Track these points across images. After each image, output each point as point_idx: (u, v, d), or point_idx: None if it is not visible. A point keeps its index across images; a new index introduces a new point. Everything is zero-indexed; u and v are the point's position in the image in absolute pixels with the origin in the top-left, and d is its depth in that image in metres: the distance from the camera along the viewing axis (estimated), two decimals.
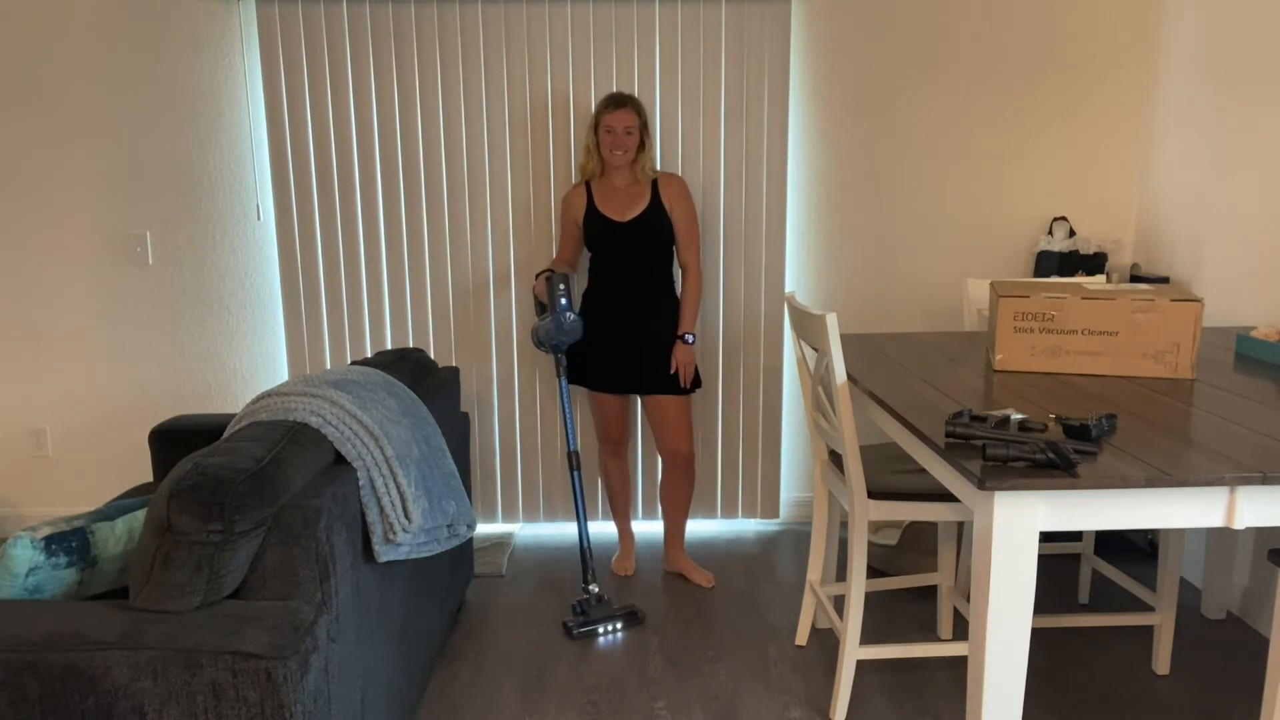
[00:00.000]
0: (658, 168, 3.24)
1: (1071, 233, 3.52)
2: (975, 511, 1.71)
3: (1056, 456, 1.60)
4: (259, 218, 3.57)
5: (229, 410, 3.68)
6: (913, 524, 3.28)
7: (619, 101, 3.03)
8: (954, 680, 2.63)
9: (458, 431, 2.91)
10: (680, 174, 3.50)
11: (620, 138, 3.03)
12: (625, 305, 3.14)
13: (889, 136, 3.58)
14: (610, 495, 3.41)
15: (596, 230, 3.12)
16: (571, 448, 3.01)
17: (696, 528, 3.79)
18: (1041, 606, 3.05)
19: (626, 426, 3.33)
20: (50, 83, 3.47)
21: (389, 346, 3.64)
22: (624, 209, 3.10)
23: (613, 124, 3.03)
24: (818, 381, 2.53)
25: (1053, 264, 3.48)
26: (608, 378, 3.17)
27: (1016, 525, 1.64)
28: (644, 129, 3.08)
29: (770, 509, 3.77)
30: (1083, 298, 2.29)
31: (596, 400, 3.25)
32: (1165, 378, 2.26)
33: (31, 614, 1.66)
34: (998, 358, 2.36)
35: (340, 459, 2.03)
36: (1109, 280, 3.40)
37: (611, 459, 3.35)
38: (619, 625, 2.94)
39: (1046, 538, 3.22)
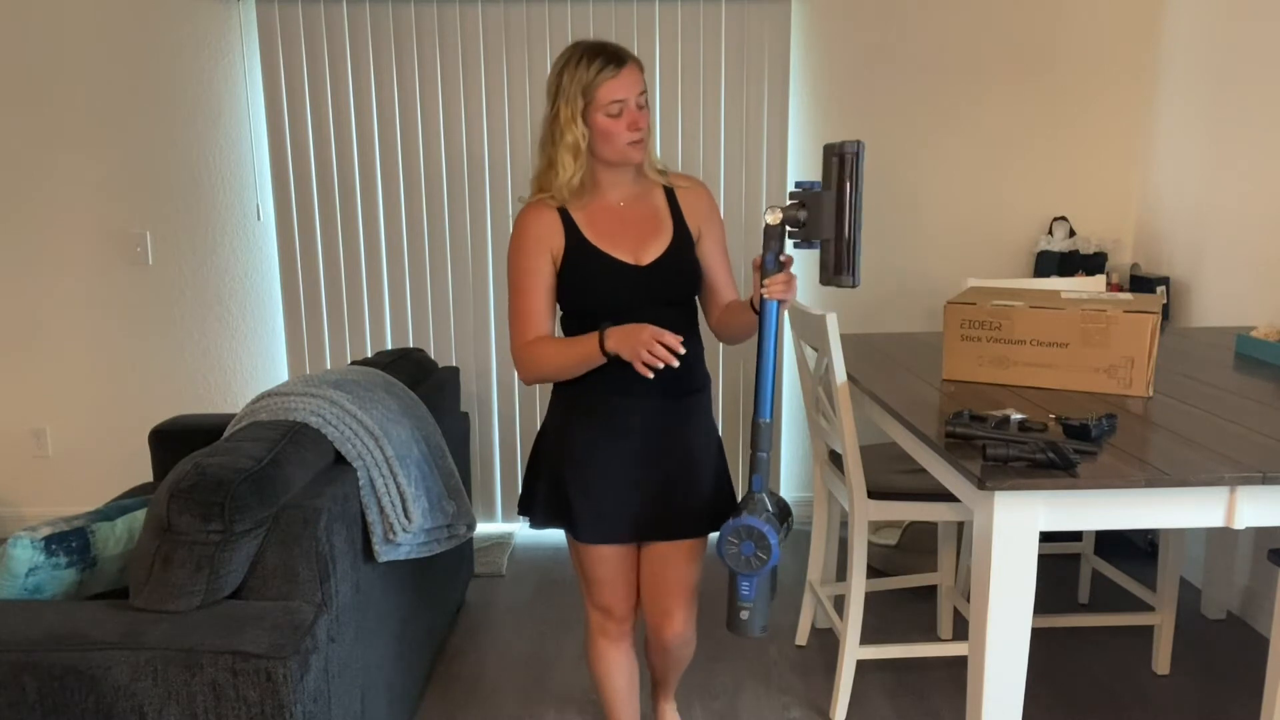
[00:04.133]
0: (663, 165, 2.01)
1: (1071, 233, 3.52)
2: (975, 511, 1.71)
3: (1056, 456, 1.60)
4: (259, 218, 3.57)
5: (229, 410, 3.68)
6: (913, 524, 3.28)
7: (620, 57, 1.82)
8: (954, 680, 2.63)
9: (458, 431, 2.91)
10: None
11: (637, 115, 1.82)
12: (649, 404, 1.92)
13: (889, 136, 3.57)
14: (610, 703, 2.16)
15: (595, 279, 1.87)
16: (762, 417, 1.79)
17: None
18: (1041, 606, 3.05)
19: (634, 586, 2.07)
20: (50, 82, 3.47)
21: (389, 346, 3.64)
22: (638, 242, 1.89)
23: (624, 94, 1.80)
24: (818, 381, 2.53)
25: (1053, 264, 3.48)
26: (618, 520, 1.95)
27: (1016, 525, 1.64)
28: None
29: None
30: (1031, 306, 2.17)
31: (594, 558, 1.99)
32: (1120, 394, 2.11)
33: (31, 614, 1.66)
34: (944, 367, 2.29)
35: (340, 459, 2.03)
36: (1109, 280, 3.40)
37: (613, 645, 2.10)
38: None
39: (1046, 538, 3.21)
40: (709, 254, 1.97)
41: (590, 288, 1.88)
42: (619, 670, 2.12)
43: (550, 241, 1.87)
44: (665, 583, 2.00)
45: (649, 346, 1.69)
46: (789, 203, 1.71)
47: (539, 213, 1.89)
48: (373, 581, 2.03)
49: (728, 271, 2.01)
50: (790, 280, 1.71)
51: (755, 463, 1.79)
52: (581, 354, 1.82)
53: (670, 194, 1.96)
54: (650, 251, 1.90)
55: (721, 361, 3.64)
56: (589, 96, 1.81)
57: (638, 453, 1.93)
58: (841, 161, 1.67)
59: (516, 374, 3.50)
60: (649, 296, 1.88)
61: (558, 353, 1.86)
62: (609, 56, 1.80)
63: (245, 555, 1.70)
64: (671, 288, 1.91)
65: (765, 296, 1.71)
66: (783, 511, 1.83)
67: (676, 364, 1.70)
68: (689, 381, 1.96)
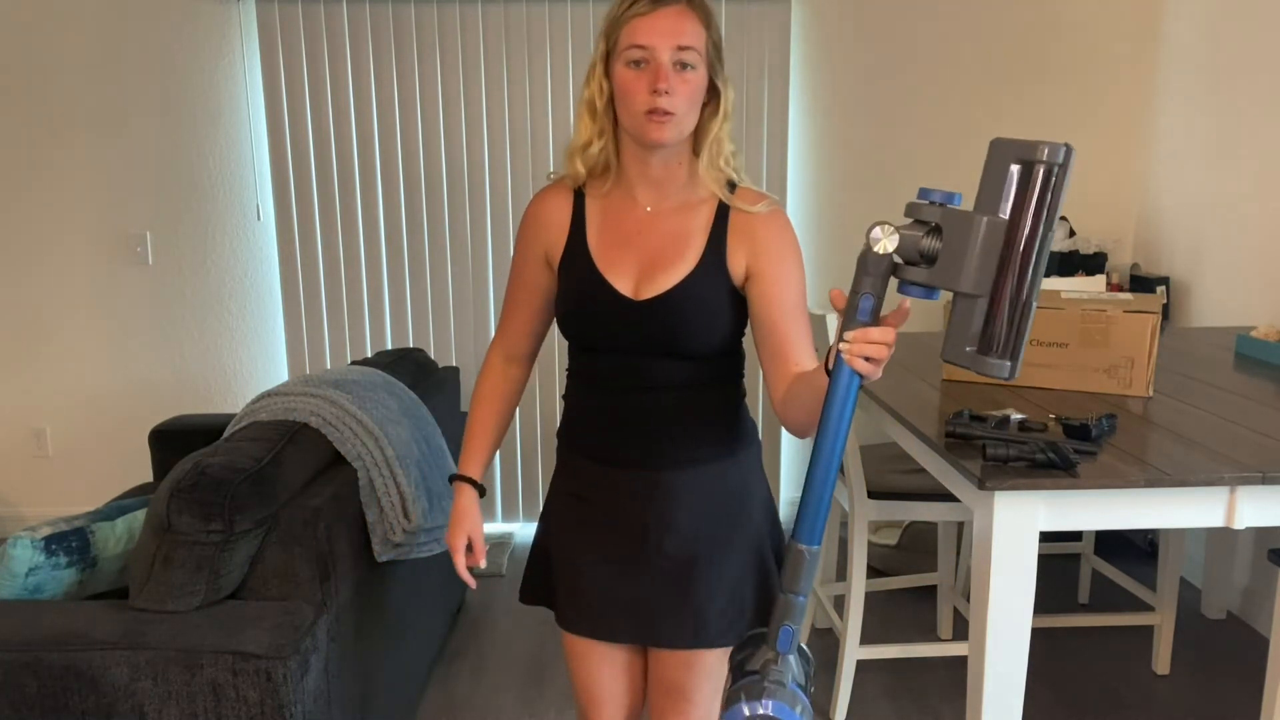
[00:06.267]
0: (743, 175, 1.52)
1: (1071, 233, 3.52)
2: (975, 511, 1.71)
3: (1056, 456, 1.60)
4: (259, 218, 3.57)
5: (229, 410, 3.67)
6: (913, 524, 3.28)
7: None
8: (954, 680, 2.63)
9: (457, 432, 2.89)
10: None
11: (665, 73, 1.33)
12: (644, 474, 1.49)
13: (889, 136, 3.57)
14: None
15: (578, 303, 1.46)
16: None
17: None
18: (1041, 606, 3.03)
19: (629, 702, 1.63)
20: (50, 82, 3.47)
21: (389, 346, 3.64)
22: (648, 266, 1.43)
23: (651, 40, 1.33)
24: None
25: (1052, 264, 3.47)
26: (599, 610, 1.53)
27: (1016, 525, 1.64)
28: (715, 62, 1.43)
29: None
30: None
31: (574, 655, 1.60)
32: (1120, 394, 2.11)
33: (31, 614, 1.66)
34: (944, 367, 2.27)
35: (340, 459, 2.03)
36: (1109, 280, 3.40)
37: None
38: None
39: (1046, 538, 3.20)
40: (764, 301, 1.42)
41: (571, 312, 1.46)
42: None
43: (548, 235, 1.48)
44: (661, 689, 1.55)
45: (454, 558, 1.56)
46: (909, 220, 1.09)
47: (547, 196, 1.50)
48: (373, 581, 2.03)
49: (798, 329, 1.42)
50: (889, 344, 1.09)
51: (785, 609, 1.17)
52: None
53: (723, 213, 1.43)
54: (657, 283, 1.40)
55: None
56: (612, 38, 1.37)
57: (642, 529, 1.49)
58: (1029, 175, 1.01)
59: None
60: (642, 343, 1.42)
61: (469, 418, 1.67)
62: None
63: (245, 555, 1.70)
64: (672, 335, 1.41)
65: (843, 356, 1.11)
66: (808, 668, 1.25)
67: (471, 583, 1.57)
68: (692, 450, 1.49)
